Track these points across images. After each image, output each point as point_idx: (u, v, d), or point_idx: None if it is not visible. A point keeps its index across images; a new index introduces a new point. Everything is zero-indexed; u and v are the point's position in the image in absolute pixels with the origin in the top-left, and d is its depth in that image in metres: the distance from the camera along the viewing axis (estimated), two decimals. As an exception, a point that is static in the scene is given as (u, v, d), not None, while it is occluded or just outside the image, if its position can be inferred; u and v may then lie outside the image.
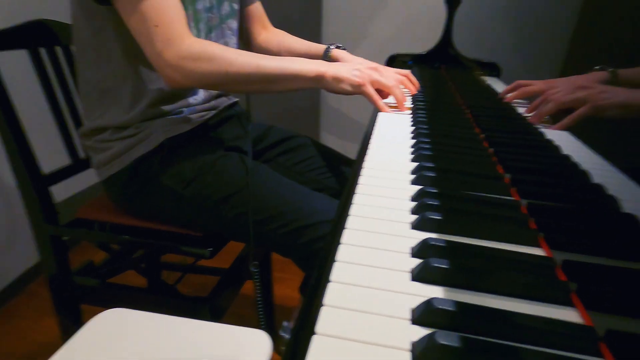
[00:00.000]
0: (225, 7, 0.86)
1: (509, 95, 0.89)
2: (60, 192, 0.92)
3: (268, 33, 1.04)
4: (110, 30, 0.73)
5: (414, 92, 0.90)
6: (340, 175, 0.98)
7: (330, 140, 1.95)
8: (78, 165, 0.96)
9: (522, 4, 0.79)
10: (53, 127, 0.91)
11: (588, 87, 0.68)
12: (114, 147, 0.79)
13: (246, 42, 1.04)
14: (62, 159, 0.93)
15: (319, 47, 0.99)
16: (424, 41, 1.47)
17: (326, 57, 0.95)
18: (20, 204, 0.85)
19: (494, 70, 1.39)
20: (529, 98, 0.84)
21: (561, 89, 0.72)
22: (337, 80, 0.72)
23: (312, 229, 0.72)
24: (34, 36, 0.87)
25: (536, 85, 0.83)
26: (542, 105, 0.73)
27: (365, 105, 0.83)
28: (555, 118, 0.73)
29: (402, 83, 0.86)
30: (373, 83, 0.75)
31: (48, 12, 1.06)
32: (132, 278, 1.03)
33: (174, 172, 0.78)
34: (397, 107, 0.79)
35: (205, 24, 0.81)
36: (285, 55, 1.01)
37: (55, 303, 0.91)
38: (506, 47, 0.90)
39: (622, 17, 0.40)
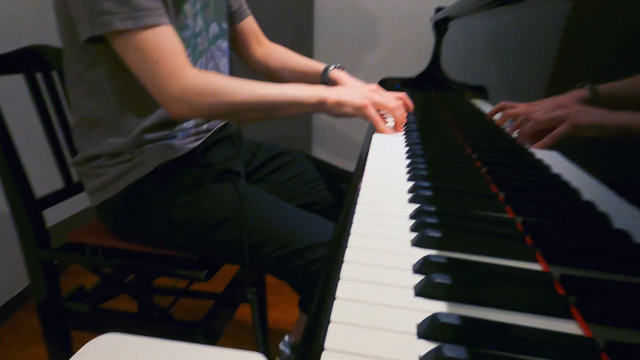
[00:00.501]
0: (214, 29, 0.87)
1: (495, 117, 0.91)
2: (51, 215, 0.91)
3: (265, 49, 1.05)
4: (103, 64, 0.73)
5: (410, 111, 0.92)
6: (334, 188, 0.98)
7: (322, 156, 1.97)
8: (71, 188, 0.95)
9: (506, 29, 0.82)
10: (45, 149, 0.91)
11: (567, 106, 0.69)
12: (108, 173, 0.78)
13: (243, 58, 1.05)
14: (54, 182, 0.92)
15: (319, 66, 1.00)
16: (413, 67, 1.51)
17: (325, 76, 0.97)
18: (5, 228, 0.84)
19: (481, 92, 1.43)
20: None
21: (540, 108, 0.74)
22: (339, 104, 0.73)
23: (307, 252, 0.72)
24: (30, 61, 0.88)
25: (519, 107, 0.85)
26: (523, 124, 0.75)
27: (357, 121, 0.85)
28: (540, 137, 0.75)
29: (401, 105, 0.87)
30: (374, 105, 0.76)
31: (48, 37, 1.07)
32: (124, 304, 1.02)
33: (168, 197, 0.78)
34: (395, 128, 0.80)
35: (193, 50, 0.82)
36: (285, 72, 1.02)
37: (45, 330, 0.89)
38: (492, 70, 0.93)
39: (605, 36, 0.42)
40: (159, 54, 0.66)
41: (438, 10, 1.38)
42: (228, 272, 0.95)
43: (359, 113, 0.75)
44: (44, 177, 0.99)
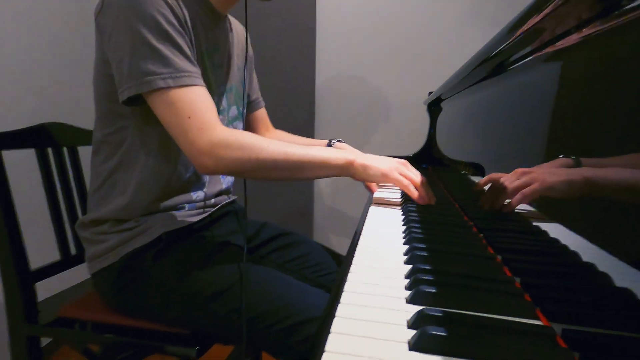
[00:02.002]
0: (233, 111, 0.94)
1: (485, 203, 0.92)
2: (42, 290, 0.89)
3: (271, 133, 1.13)
4: (131, 127, 0.77)
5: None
6: (335, 273, 0.96)
7: (324, 237, 1.95)
8: (68, 261, 0.94)
9: (498, 107, 0.87)
10: (42, 220, 0.91)
11: (531, 171, 0.71)
12: (110, 240, 0.78)
13: None
14: (45, 254, 0.91)
15: (322, 141, 1.05)
16: (411, 147, 1.57)
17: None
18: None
19: (478, 169, 1.47)
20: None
21: (506, 178, 0.74)
22: (366, 168, 0.74)
23: (306, 326, 0.69)
24: (42, 138, 0.92)
25: (506, 176, 0.87)
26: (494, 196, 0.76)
27: (358, 202, 0.86)
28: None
29: (423, 182, 0.83)
30: (400, 174, 0.76)
31: (65, 115, 1.13)
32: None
33: (166, 266, 0.77)
34: (428, 200, 0.78)
35: None
36: None
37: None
38: (489, 148, 0.96)
39: (593, 112, 0.44)
40: (192, 109, 0.69)
41: (430, 93, 1.47)
42: (222, 353, 0.90)
43: (385, 179, 0.75)
44: (37, 249, 0.98)
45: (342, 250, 1.02)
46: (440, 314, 0.33)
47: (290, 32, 1.78)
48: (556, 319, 0.35)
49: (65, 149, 0.98)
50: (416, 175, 0.79)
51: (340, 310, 0.35)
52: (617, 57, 0.38)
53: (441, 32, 1.76)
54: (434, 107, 1.46)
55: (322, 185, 1.93)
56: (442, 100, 1.37)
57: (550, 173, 0.63)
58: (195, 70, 0.72)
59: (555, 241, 0.58)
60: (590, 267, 0.47)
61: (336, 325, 0.32)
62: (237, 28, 0.99)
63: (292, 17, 1.77)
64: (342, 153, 0.75)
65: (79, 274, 0.96)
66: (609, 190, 0.38)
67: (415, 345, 0.30)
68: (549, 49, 0.54)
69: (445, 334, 0.30)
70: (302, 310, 0.71)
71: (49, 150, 0.93)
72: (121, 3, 0.68)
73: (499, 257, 0.49)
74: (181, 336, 0.77)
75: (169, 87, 0.69)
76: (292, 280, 0.78)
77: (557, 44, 0.50)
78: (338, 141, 1.03)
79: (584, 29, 0.43)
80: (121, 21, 0.68)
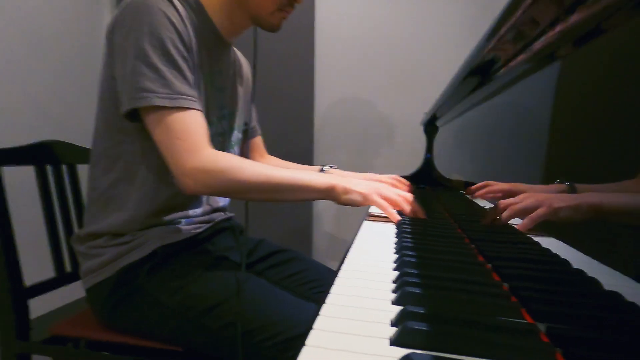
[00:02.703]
0: (235, 135, 0.96)
1: (477, 192, 0.93)
2: (35, 307, 0.88)
3: (266, 160, 1.16)
4: (133, 143, 0.79)
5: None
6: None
7: (322, 256, 1.94)
8: (63, 278, 0.94)
9: (496, 128, 0.88)
10: (38, 236, 0.91)
11: (540, 194, 0.72)
12: (106, 254, 0.78)
13: None
14: (40, 271, 0.91)
15: (315, 168, 1.07)
16: (409, 168, 1.58)
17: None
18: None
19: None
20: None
21: (516, 199, 0.75)
22: (347, 191, 0.75)
23: (302, 340, 0.68)
24: (42, 155, 0.93)
25: (501, 185, 0.87)
26: (500, 212, 0.76)
27: (358, 222, 0.85)
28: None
29: (405, 199, 0.82)
30: (380, 195, 0.77)
31: (64, 134, 1.15)
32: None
33: (161, 280, 0.77)
34: (418, 215, 0.80)
35: (215, 147, 0.88)
36: None
37: None
38: (487, 167, 0.97)
39: (589, 136, 0.45)
40: (183, 131, 0.71)
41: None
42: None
43: (366, 201, 0.76)
44: (32, 265, 0.98)
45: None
46: (423, 312, 0.33)
47: (290, 57, 1.82)
48: (541, 319, 0.35)
49: (64, 167, 0.99)
50: (397, 195, 0.79)
51: (324, 309, 0.35)
52: (620, 66, 0.39)
53: (439, 55, 1.80)
54: (430, 127, 1.48)
55: (322, 205, 1.93)
56: (438, 118, 1.39)
57: (557, 198, 0.64)
58: (193, 94, 0.74)
59: (547, 250, 0.58)
60: (579, 274, 0.47)
61: (318, 322, 0.32)
62: (242, 61, 1.03)
63: (290, 41, 1.82)
64: (324, 177, 0.76)
65: (74, 293, 0.95)
66: (616, 216, 0.39)
67: (396, 340, 0.30)
68: (531, 52, 0.56)
69: (427, 329, 0.30)
70: (296, 324, 0.70)
71: (48, 167, 0.95)
72: (132, 24, 0.71)
73: (488, 265, 0.49)
74: (175, 353, 0.76)
75: (164, 107, 0.71)
76: (286, 295, 0.77)
77: (540, 48, 0.52)
78: (331, 167, 1.05)
79: (560, 26, 0.44)
80: (130, 40, 0.71)
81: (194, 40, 0.78)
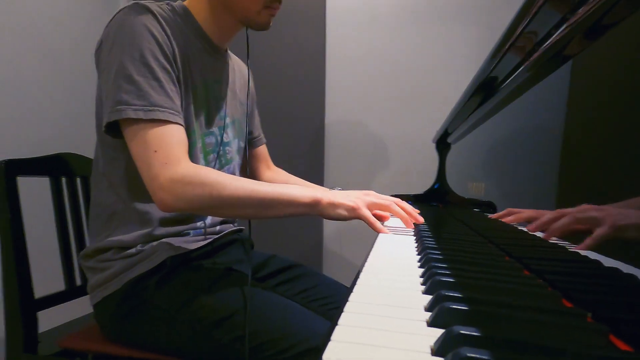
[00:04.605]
0: (237, 144, 0.95)
1: (503, 219, 0.90)
2: (44, 322, 0.86)
3: (272, 172, 1.14)
4: (121, 160, 0.78)
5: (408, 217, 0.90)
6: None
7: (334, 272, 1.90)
8: (73, 291, 0.92)
9: (508, 145, 0.87)
10: (49, 249, 0.90)
11: (600, 209, 0.68)
12: (114, 267, 0.77)
13: (252, 177, 1.12)
14: (50, 284, 0.89)
15: (316, 186, 1.05)
16: (420, 186, 1.56)
17: None
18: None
19: (490, 207, 1.45)
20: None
21: (573, 209, 0.72)
22: (333, 205, 0.72)
23: (313, 354, 0.65)
24: (59, 166, 0.94)
25: (527, 212, 0.85)
26: (554, 220, 0.73)
27: (370, 237, 0.83)
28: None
29: (397, 203, 0.83)
30: (369, 206, 0.75)
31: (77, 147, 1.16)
32: None
33: (169, 293, 0.74)
34: (407, 224, 0.78)
35: (218, 156, 0.87)
36: None
37: None
38: (500, 186, 0.95)
39: (603, 150, 0.44)
40: (159, 144, 0.69)
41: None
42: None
43: (353, 215, 0.73)
44: (43, 278, 0.96)
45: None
46: (460, 298, 0.31)
47: (301, 78, 1.85)
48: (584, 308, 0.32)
49: (78, 179, 0.99)
50: (383, 200, 0.77)
51: (349, 306, 0.33)
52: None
53: (447, 75, 1.82)
54: (442, 144, 1.47)
55: (333, 221, 1.90)
56: (449, 134, 1.38)
57: (621, 215, 0.60)
58: (171, 105, 0.72)
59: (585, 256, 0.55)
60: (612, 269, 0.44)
61: (348, 308, 0.30)
62: (240, 64, 1.02)
63: (302, 63, 1.85)
64: (309, 191, 0.73)
65: (83, 308, 0.93)
66: None
67: (433, 322, 0.28)
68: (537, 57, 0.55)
69: (467, 308, 0.28)
70: (307, 338, 0.67)
71: (63, 179, 0.95)
72: (115, 39, 0.71)
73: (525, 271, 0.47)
74: (183, 366, 0.73)
75: (139, 119, 0.69)
76: (297, 308, 0.74)
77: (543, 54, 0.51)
78: (339, 189, 1.03)
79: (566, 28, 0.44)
80: (113, 55, 0.71)
81: (181, 51, 0.77)
